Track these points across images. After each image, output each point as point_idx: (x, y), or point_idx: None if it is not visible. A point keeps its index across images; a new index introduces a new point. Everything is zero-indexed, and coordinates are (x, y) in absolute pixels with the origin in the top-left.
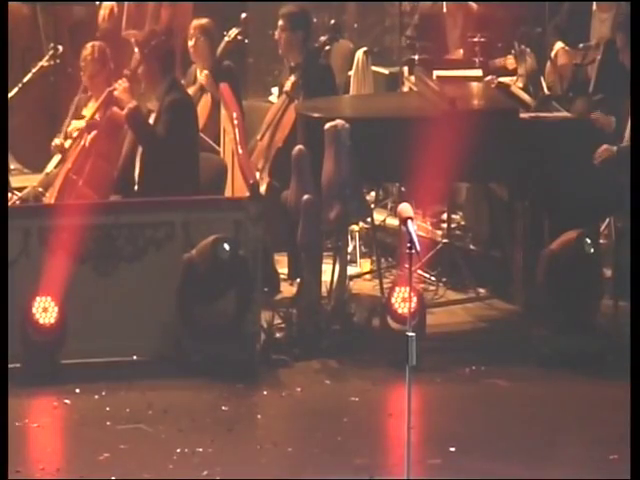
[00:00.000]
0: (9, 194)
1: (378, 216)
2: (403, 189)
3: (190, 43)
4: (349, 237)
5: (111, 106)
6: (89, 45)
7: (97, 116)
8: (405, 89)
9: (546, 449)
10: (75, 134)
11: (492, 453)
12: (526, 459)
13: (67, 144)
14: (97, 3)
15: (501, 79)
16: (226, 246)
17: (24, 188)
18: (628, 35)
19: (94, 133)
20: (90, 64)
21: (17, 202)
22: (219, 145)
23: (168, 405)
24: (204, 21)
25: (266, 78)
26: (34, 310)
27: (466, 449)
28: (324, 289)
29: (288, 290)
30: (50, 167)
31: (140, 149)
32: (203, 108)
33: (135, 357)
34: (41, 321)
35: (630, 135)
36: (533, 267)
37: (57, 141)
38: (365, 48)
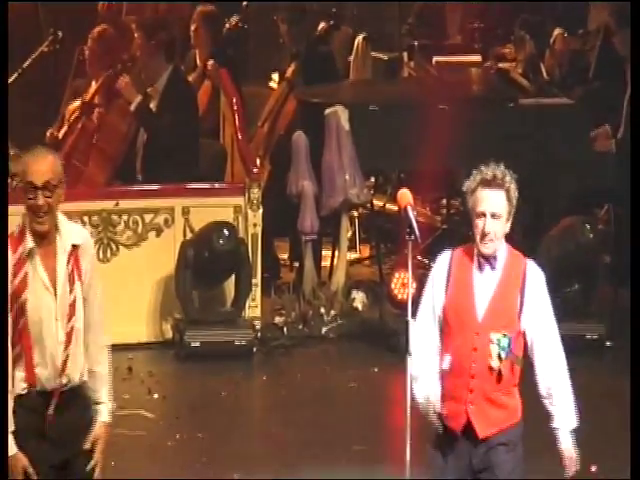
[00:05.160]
0: (8, 179)
1: (377, 202)
2: (402, 175)
3: (192, 28)
4: (348, 223)
5: (111, 90)
6: (95, 30)
7: (96, 99)
8: (405, 75)
9: (544, 435)
10: (73, 117)
11: None
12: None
13: (63, 131)
14: None
15: (500, 65)
16: (226, 232)
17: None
18: (623, 20)
19: (97, 122)
20: (95, 47)
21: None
22: (219, 131)
23: (167, 391)
24: (208, 8)
25: (267, 64)
26: None
27: None
28: (324, 275)
29: (288, 276)
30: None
31: (142, 137)
32: (203, 94)
33: (135, 342)
34: None
35: (630, 135)
36: (533, 253)
37: (51, 130)
38: (364, 34)
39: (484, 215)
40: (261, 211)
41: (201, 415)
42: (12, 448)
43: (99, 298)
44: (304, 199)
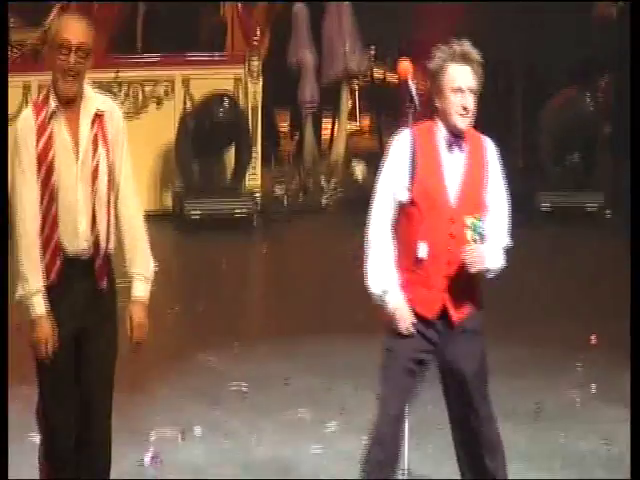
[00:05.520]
0: (9, 48)
1: (378, 73)
2: (403, 45)
3: None
4: (349, 94)
5: None
6: None
7: None
8: None
9: (544, 305)
10: None
11: (489, 309)
12: (524, 314)
13: None
14: None
15: None
16: (226, 102)
17: (24, 42)
18: None
19: None
20: None
21: (17, 59)
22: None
23: (167, 262)
24: None
25: None
26: None
27: None
28: (324, 145)
29: (288, 146)
30: (49, 22)
31: (142, 7)
32: None
33: None
34: None
35: (630, 136)
36: (534, 123)
37: None
38: None
39: (461, 90)
40: (261, 81)
41: (201, 285)
42: (40, 307)
43: (127, 169)
44: (304, 69)
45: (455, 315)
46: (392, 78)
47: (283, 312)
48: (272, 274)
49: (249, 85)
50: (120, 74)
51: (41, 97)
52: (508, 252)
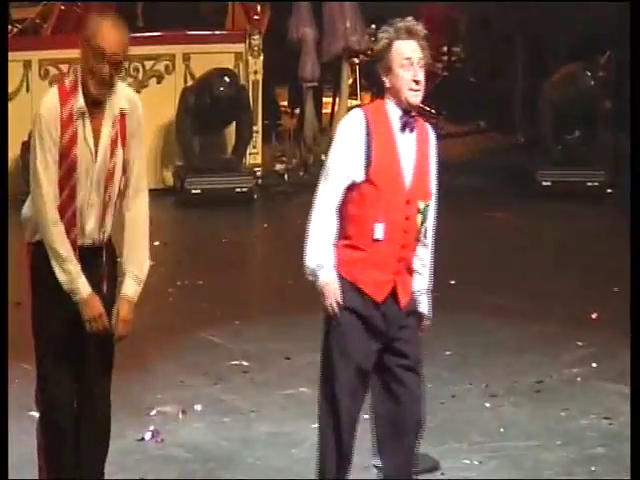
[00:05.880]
0: (9, 27)
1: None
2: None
3: None
4: (349, 70)
5: None
6: None
7: None
8: None
9: (544, 280)
10: None
11: (490, 285)
12: (525, 291)
13: None
14: None
15: None
16: (226, 78)
17: (24, 20)
18: None
19: None
20: None
21: (16, 35)
22: None
23: (168, 238)
24: None
25: None
26: None
27: (465, 282)
28: (324, 122)
29: (289, 122)
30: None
31: None
32: None
33: None
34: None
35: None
36: (534, 100)
37: None
38: None
39: (411, 63)
40: (262, 58)
41: (202, 262)
42: (86, 287)
43: (141, 165)
44: (305, 45)
45: (403, 299)
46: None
47: (284, 288)
48: (273, 250)
49: (250, 61)
50: None
51: (68, 84)
52: (509, 228)
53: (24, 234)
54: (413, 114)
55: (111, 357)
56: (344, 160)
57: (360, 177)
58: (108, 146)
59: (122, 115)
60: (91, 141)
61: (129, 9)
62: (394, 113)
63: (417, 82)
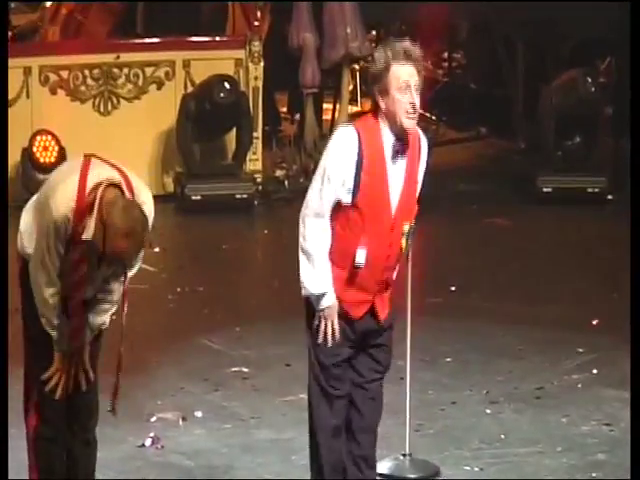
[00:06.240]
0: (9, 33)
1: None
2: (403, 27)
3: None
4: (350, 76)
5: None
6: None
7: None
8: None
9: (545, 286)
10: None
11: (491, 292)
12: (525, 297)
13: None
14: None
15: None
16: (227, 85)
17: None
18: None
19: None
20: None
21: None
22: None
23: (169, 244)
24: None
25: None
26: (34, 149)
27: (466, 288)
28: (325, 128)
29: (289, 129)
30: (49, 2)
31: None
32: None
33: None
34: (41, 160)
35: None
36: (534, 106)
37: None
38: None
39: (409, 87)
40: (262, 64)
41: (202, 268)
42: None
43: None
44: (305, 52)
45: (382, 315)
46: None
47: (284, 294)
48: (273, 256)
49: (250, 68)
50: (121, 57)
51: (88, 192)
52: (509, 234)
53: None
54: (406, 139)
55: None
56: (334, 179)
57: (347, 199)
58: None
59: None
60: (95, 264)
61: (130, 15)
62: (387, 138)
63: (413, 106)
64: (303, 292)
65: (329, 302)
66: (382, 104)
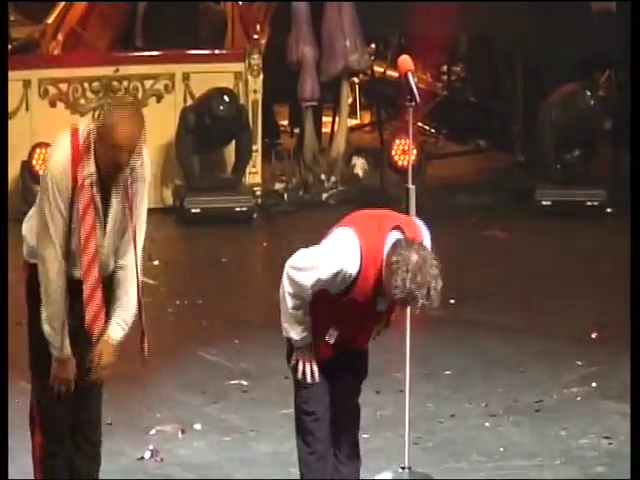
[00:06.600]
0: (9, 46)
1: (378, 68)
2: (403, 40)
3: None
4: (349, 89)
5: None
6: None
7: None
8: None
9: (545, 299)
10: None
11: (490, 304)
12: (524, 310)
13: None
14: None
15: None
16: (226, 98)
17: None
18: None
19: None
20: None
21: (14, 53)
22: None
23: (168, 257)
24: None
25: None
26: (34, 162)
27: (465, 301)
28: (324, 141)
29: (288, 142)
30: (51, 18)
31: (142, 4)
32: None
33: None
34: (41, 173)
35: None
36: (534, 119)
37: None
38: None
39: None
40: (261, 77)
41: (201, 281)
42: (67, 349)
43: (142, 217)
44: (304, 65)
45: (359, 347)
46: (393, 73)
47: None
48: (272, 269)
49: (249, 81)
50: (120, 70)
51: (84, 143)
52: (508, 247)
53: (23, 250)
54: None
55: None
56: (325, 284)
57: (333, 291)
58: (119, 216)
59: (132, 183)
60: (101, 211)
61: (129, 28)
62: None
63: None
64: (284, 333)
65: (306, 342)
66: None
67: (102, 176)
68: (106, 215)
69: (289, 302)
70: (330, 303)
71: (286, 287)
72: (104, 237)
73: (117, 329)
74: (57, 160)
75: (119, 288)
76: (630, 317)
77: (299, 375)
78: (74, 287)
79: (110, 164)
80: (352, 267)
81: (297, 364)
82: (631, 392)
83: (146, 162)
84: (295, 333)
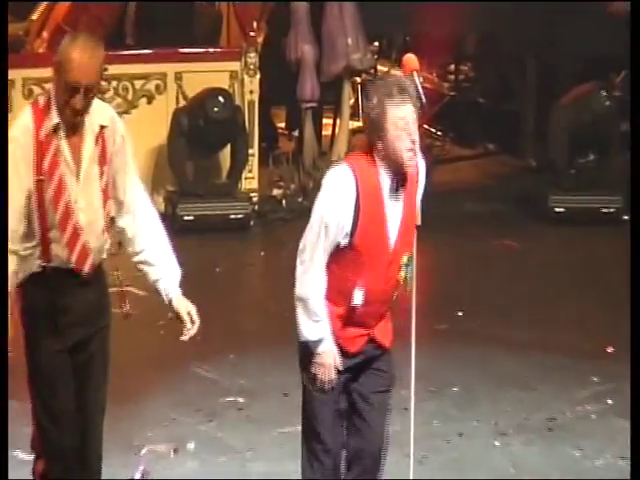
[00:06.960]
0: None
1: (382, 68)
2: (408, 39)
3: None
4: (351, 90)
5: None
6: None
7: None
8: None
9: (558, 312)
10: None
11: (500, 317)
12: (536, 323)
13: None
14: None
15: None
16: (221, 99)
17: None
18: None
19: None
20: None
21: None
22: None
23: None
24: None
25: None
26: None
27: (472, 313)
28: (324, 144)
29: (287, 146)
30: (36, 14)
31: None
32: None
33: None
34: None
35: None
36: (546, 121)
37: None
38: None
39: (407, 124)
40: (258, 77)
41: (194, 292)
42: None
43: (130, 179)
44: (304, 64)
45: (385, 342)
46: (397, 73)
47: (281, 319)
48: (270, 279)
49: (246, 80)
50: (109, 69)
51: (42, 103)
52: (519, 257)
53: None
54: (404, 175)
55: (105, 389)
56: (332, 222)
57: (345, 241)
58: (92, 164)
59: (102, 129)
60: (70, 158)
61: (119, 25)
62: (385, 178)
63: (414, 142)
64: (300, 338)
65: (326, 348)
66: (380, 145)
67: (68, 125)
68: (78, 165)
69: (301, 291)
70: (346, 262)
71: (298, 273)
72: (77, 191)
73: (176, 285)
74: (18, 124)
75: (152, 248)
76: (630, 336)
77: (317, 383)
78: (68, 277)
79: (71, 105)
80: (348, 187)
81: (315, 371)
82: (631, 407)
83: (116, 118)
84: (309, 329)
